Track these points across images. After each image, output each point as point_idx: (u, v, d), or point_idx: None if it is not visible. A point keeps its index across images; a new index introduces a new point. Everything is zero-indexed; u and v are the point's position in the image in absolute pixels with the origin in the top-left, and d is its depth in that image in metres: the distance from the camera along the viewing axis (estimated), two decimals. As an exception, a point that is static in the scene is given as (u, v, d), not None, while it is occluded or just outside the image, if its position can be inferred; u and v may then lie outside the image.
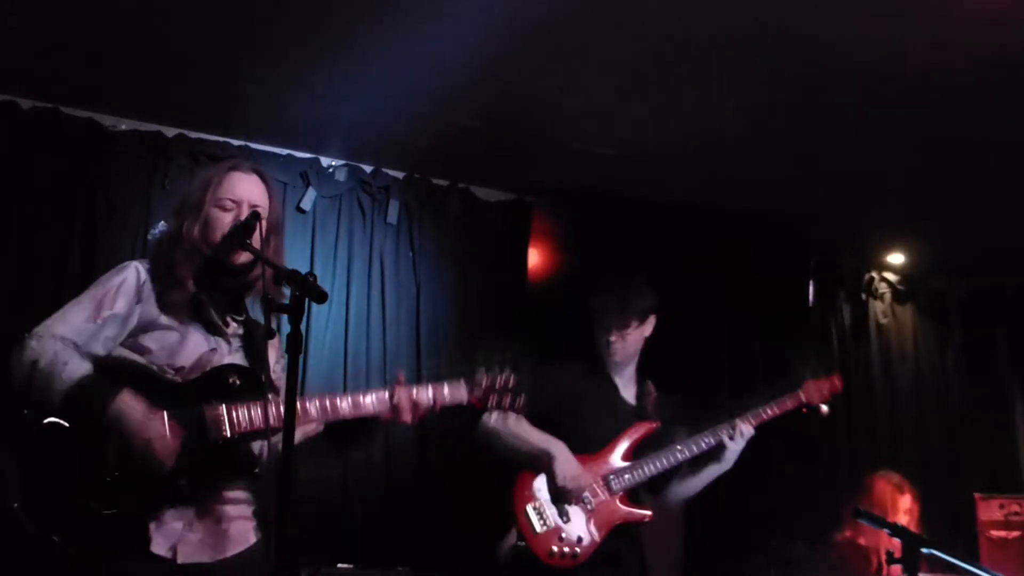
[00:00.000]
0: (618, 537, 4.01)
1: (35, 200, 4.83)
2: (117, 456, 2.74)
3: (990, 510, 5.67)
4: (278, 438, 2.98)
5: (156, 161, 5.09)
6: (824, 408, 4.38)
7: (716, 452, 4.15)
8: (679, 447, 4.10)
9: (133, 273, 3.00)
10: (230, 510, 2.98)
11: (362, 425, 3.10)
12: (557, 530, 3.91)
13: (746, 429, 4.16)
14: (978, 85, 4.53)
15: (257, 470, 2.97)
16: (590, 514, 3.97)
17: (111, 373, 2.84)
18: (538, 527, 3.90)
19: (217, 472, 2.91)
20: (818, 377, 4.39)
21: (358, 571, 4.53)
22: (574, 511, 3.96)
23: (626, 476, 4.05)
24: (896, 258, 6.79)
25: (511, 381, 3.23)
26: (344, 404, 3.02)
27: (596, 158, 5.41)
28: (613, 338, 4.19)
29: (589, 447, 4.06)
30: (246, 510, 3.03)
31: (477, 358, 3.27)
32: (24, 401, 2.78)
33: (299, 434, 2.93)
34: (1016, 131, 4.91)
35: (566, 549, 3.89)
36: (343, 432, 3.11)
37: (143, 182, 5.05)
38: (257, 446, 3.02)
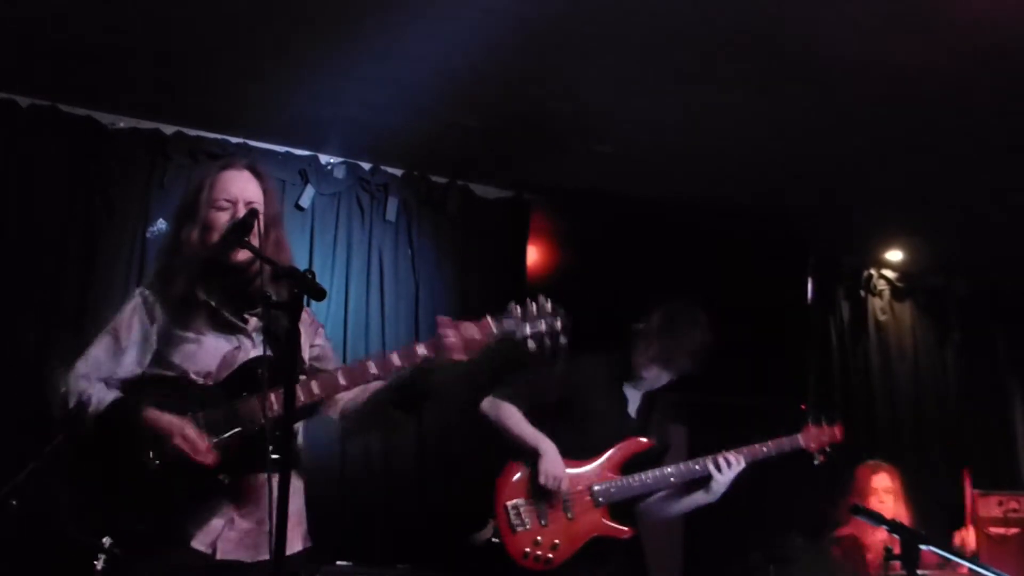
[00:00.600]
0: (595, 550, 3.97)
1: (34, 197, 4.83)
2: (156, 459, 2.80)
3: (989, 507, 5.66)
4: (335, 411, 3.13)
5: (155, 159, 5.10)
6: (820, 457, 4.37)
7: (704, 481, 4.11)
8: (669, 471, 4.07)
9: (140, 299, 3.06)
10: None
11: (420, 376, 3.03)
12: (534, 533, 3.88)
13: (735, 461, 4.11)
14: (977, 83, 4.53)
15: (296, 452, 3.00)
16: (569, 522, 3.94)
17: (141, 393, 2.91)
18: (516, 527, 3.87)
19: (258, 463, 2.86)
20: (820, 424, 4.39)
21: (358, 568, 4.53)
22: (554, 516, 3.92)
23: (612, 490, 4.01)
24: (895, 255, 6.79)
25: (560, 323, 3.11)
26: (395, 357, 3.00)
27: (595, 156, 5.41)
28: (652, 372, 4.15)
29: (582, 453, 4.02)
30: (294, 517, 2.96)
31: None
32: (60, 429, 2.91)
33: (364, 396, 3.07)
34: (1014, 128, 4.91)
35: (539, 553, 3.86)
36: (405, 388, 3.06)
37: (142, 180, 5.06)
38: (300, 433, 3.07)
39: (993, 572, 3.50)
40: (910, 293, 7.01)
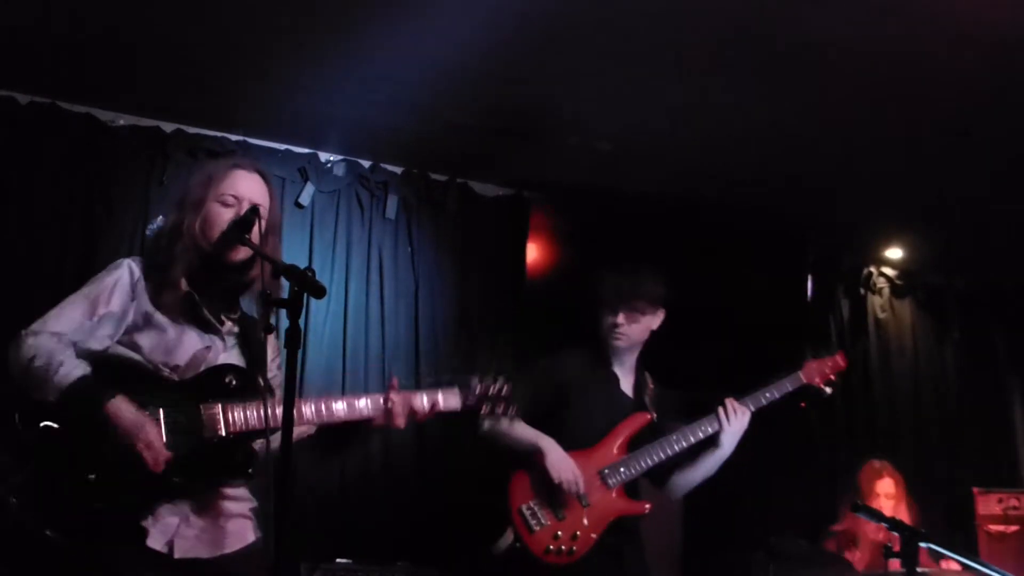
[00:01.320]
0: (617, 532, 3.97)
1: (34, 194, 4.83)
2: (113, 453, 2.74)
3: (989, 504, 5.68)
4: (276, 438, 3.04)
5: (154, 156, 5.09)
6: (828, 389, 4.26)
7: (712, 438, 4.07)
8: (674, 437, 4.04)
9: (127, 271, 3.00)
10: (230, 507, 2.99)
11: (355, 428, 3.09)
12: (553, 528, 3.88)
13: (740, 409, 4.07)
14: (977, 80, 4.53)
15: (251, 470, 2.96)
16: (586, 510, 3.93)
17: (107, 372, 2.85)
18: (533, 526, 3.87)
19: (212, 471, 2.91)
20: (820, 356, 4.28)
21: (357, 566, 4.53)
22: (570, 508, 3.91)
23: (621, 470, 4.00)
24: (894, 253, 6.79)
25: (505, 389, 3.20)
26: (339, 406, 3.02)
27: (594, 154, 5.41)
28: (620, 320, 4.11)
29: (586, 441, 4.01)
30: (245, 507, 3.04)
31: (476, 363, 3.27)
32: (19, 399, 2.79)
33: (295, 434, 2.94)
34: (1015, 124, 4.91)
35: (563, 547, 3.86)
36: (337, 434, 3.11)
37: (141, 177, 5.06)
38: (256, 445, 3.01)
39: (993, 570, 3.50)
40: (910, 291, 7.02)
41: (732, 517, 5.55)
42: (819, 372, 4.26)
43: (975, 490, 5.81)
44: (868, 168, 5.50)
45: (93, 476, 2.75)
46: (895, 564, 3.63)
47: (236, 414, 2.89)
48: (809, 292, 6.32)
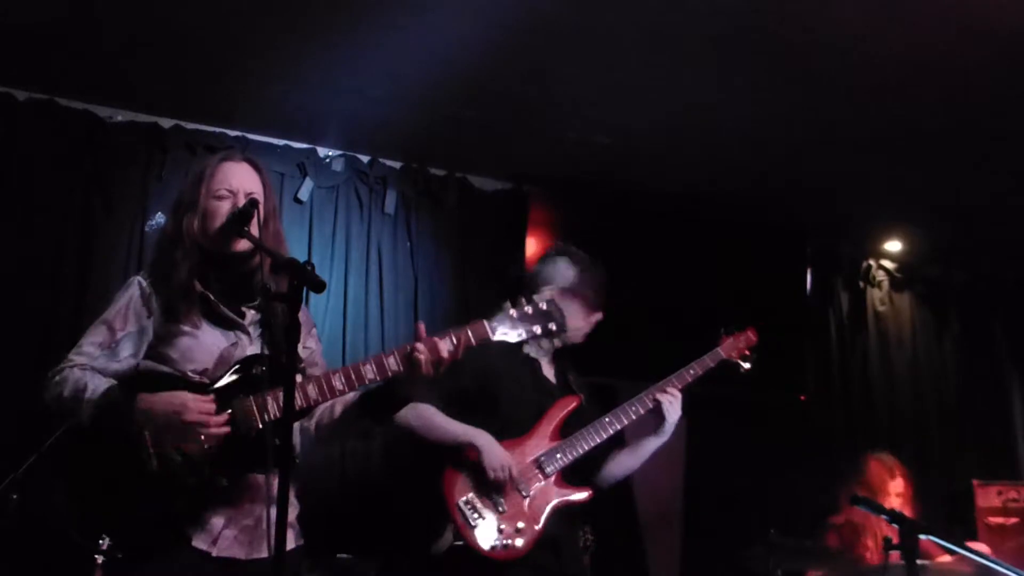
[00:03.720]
0: (558, 521, 3.81)
1: (32, 190, 4.83)
2: (158, 461, 2.80)
3: (988, 497, 5.68)
4: (310, 420, 3.10)
5: (152, 152, 5.09)
6: (745, 364, 4.25)
7: (654, 426, 3.98)
8: (607, 419, 3.91)
9: (137, 288, 3.04)
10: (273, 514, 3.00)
11: (391, 387, 3.03)
12: (495, 521, 3.70)
13: (672, 392, 3.98)
14: (976, 73, 4.53)
15: (297, 459, 2.99)
16: (526, 500, 3.76)
17: (137, 386, 2.89)
18: (474, 521, 3.68)
19: (255, 464, 2.87)
20: (733, 333, 4.27)
21: (358, 561, 4.53)
22: (510, 500, 3.74)
23: (558, 456, 3.84)
24: (893, 246, 6.80)
25: (554, 324, 3.14)
26: (368, 369, 2.96)
27: (593, 148, 5.41)
28: (583, 324, 4.02)
29: (515, 430, 3.86)
30: (292, 514, 3.02)
31: None
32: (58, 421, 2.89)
33: (339, 407, 3.05)
34: (1014, 119, 4.91)
35: (507, 541, 3.68)
36: (376, 398, 3.07)
37: (140, 173, 5.05)
38: (297, 428, 3.05)
39: (993, 562, 3.51)
40: (909, 284, 7.02)
41: (732, 512, 5.55)
42: (735, 348, 4.24)
43: (975, 482, 5.81)
44: (867, 161, 5.50)
45: (149, 486, 2.79)
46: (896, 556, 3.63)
47: (270, 404, 2.85)
48: (808, 285, 6.33)
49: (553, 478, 3.83)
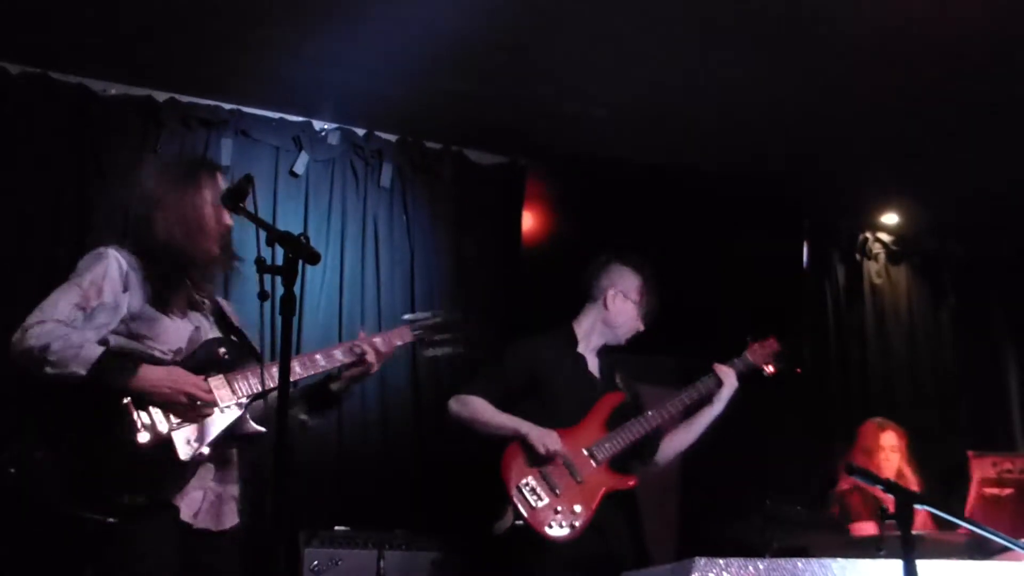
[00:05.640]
0: (606, 507, 3.99)
1: (27, 164, 4.81)
2: (151, 434, 2.92)
3: (983, 468, 5.69)
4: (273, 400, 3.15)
5: (147, 126, 5.07)
6: (768, 368, 4.47)
7: (707, 397, 4.23)
8: (651, 413, 4.13)
9: (114, 263, 3.10)
10: (231, 489, 3.18)
11: (326, 384, 3.32)
12: (552, 504, 3.89)
13: (728, 370, 4.28)
14: (973, 45, 4.52)
15: (264, 429, 3.11)
16: (580, 486, 3.95)
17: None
18: (534, 503, 3.87)
19: (230, 441, 3.09)
20: (759, 340, 4.48)
21: (354, 533, 4.55)
22: (565, 484, 3.93)
23: (607, 445, 4.04)
24: (890, 218, 6.79)
25: (437, 321, 3.48)
26: (319, 357, 3.22)
27: (590, 121, 5.39)
28: (629, 330, 4.26)
29: (563, 421, 4.04)
30: (236, 491, 3.21)
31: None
32: (40, 386, 2.90)
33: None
34: (1011, 90, 4.90)
35: (564, 522, 3.87)
36: (318, 390, 3.33)
37: (135, 146, 5.03)
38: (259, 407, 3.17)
39: (988, 531, 3.51)
40: (905, 256, 7.01)
41: (729, 483, 5.57)
42: (761, 354, 4.45)
43: (970, 453, 5.81)
44: (864, 133, 5.49)
45: (139, 462, 2.90)
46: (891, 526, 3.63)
47: (239, 383, 3.06)
48: (805, 258, 6.32)
49: (603, 466, 4.03)
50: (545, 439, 3.92)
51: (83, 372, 2.84)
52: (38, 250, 4.75)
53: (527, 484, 3.91)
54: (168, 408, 2.95)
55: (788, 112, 5.29)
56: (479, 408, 4.04)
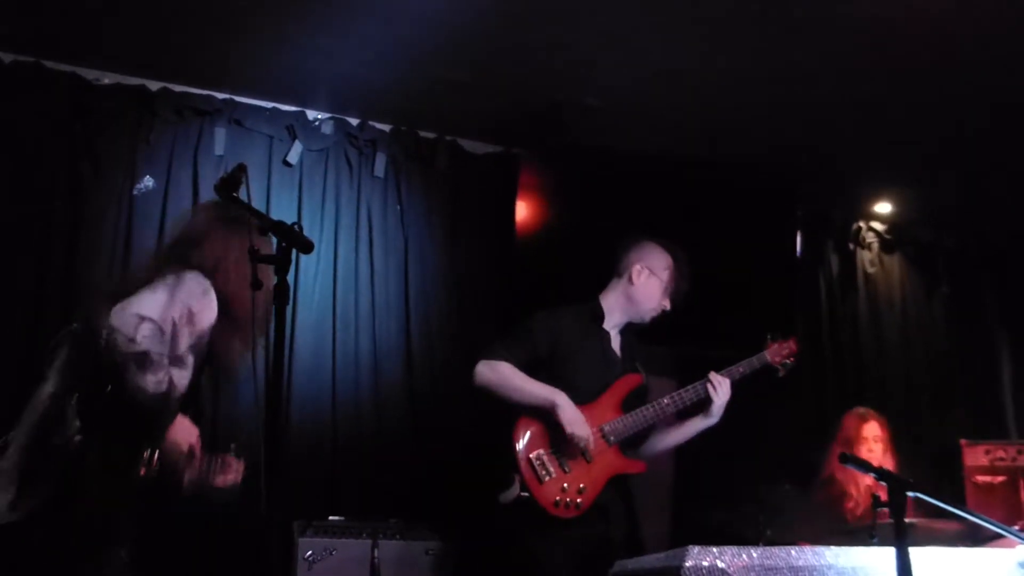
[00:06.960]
0: (609, 489, 4.01)
1: (18, 154, 4.79)
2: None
3: (976, 455, 5.72)
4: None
5: (141, 115, 5.06)
6: (782, 370, 4.40)
7: (702, 405, 4.15)
8: (665, 400, 4.10)
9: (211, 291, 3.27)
10: None
11: None
12: (560, 480, 3.90)
13: (724, 381, 4.15)
14: (968, 34, 4.52)
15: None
16: (589, 465, 3.96)
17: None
18: (543, 477, 3.89)
19: None
20: (779, 340, 4.41)
21: (350, 523, 4.56)
22: (575, 462, 3.94)
23: (619, 427, 4.03)
24: (884, 208, 6.80)
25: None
26: None
27: (583, 109, 5.39)
28: (655, 307, 4.22)
29: (581, 396, 4.01)
30: None
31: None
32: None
33: None
34: (1007, 80, 4.90)
35: (568, 499, 3.88)
36: None
37: (128, 136, 5.02)
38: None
39: (980, 518, 3.52)
40: (899, 246, 7.03)
41: (722, 470, 5.58)
42: (779, 354, 4.37)
43: (962, 441, 5.84)
44: (857, 122, 5.49)
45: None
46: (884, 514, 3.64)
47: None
48: (798, 247, 6.32)
49: (614, 448, 4.04)
50: (576, 427, 3.89)
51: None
52: (32, 237, 4.74)
53: (538, 458, 3.92)
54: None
55: (781, 101, 5.29)
56: (509, 374, 4.00)
